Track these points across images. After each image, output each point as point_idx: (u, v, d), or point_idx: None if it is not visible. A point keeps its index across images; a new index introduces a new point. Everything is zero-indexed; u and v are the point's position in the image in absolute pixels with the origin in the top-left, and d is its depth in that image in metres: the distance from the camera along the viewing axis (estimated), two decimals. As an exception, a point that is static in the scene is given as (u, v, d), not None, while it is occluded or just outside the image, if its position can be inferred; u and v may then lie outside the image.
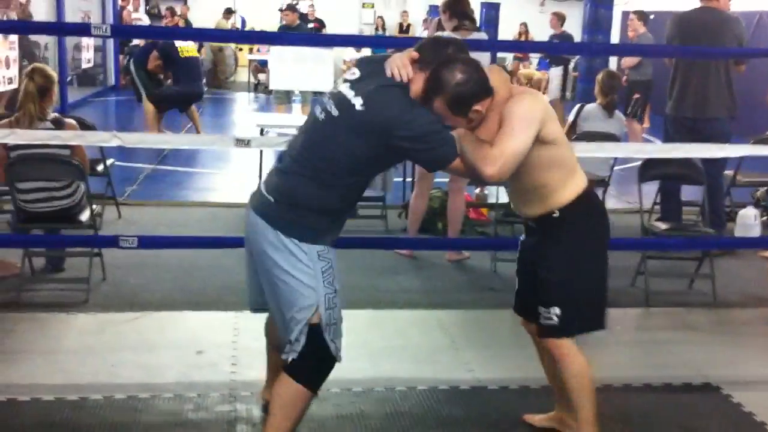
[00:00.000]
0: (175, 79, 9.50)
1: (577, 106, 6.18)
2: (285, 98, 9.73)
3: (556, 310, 2.84)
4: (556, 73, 11.74)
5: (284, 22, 9.73)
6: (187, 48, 9.31)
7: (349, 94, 2.58)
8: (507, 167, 2.57)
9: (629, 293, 5.01)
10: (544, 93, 14.41)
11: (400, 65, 2.59)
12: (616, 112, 6.05)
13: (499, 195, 5.61)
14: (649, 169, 5.23)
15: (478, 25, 5.65)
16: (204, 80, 9.85)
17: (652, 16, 15.23)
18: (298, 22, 10.10)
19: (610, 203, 6.39)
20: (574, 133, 5.95)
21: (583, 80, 9.58)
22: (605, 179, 5.95)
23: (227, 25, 16.47)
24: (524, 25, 16.12)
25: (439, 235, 5.86)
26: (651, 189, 5.68)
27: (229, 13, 16.90)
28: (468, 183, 5.76)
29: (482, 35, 5.55)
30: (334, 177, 2.59)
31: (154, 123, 9.32)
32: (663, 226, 5.25)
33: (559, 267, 2.85)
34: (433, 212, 5.92)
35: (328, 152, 2.58)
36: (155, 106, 9.25)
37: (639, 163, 5.43)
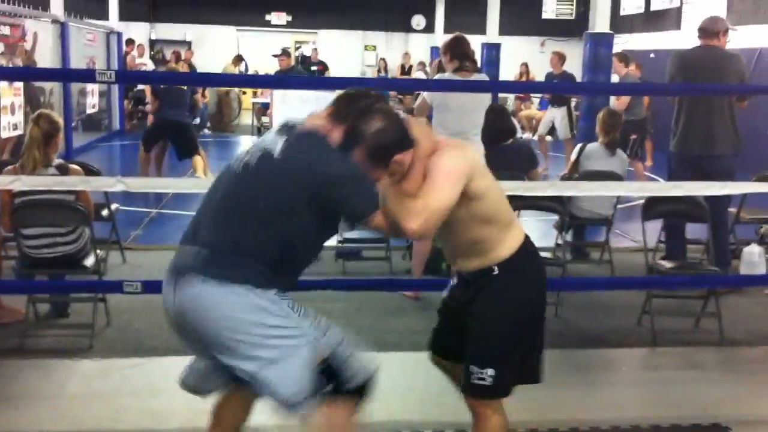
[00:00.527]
0: (158, 109, 9.59)
1: (579, 145, 6.21)
2: None
3: (490, 371, 2.70)
4: (559, 113, 11.79)
5: (280, 68, 9.89)
6: None
7: (270, 144, 2.51)
8: (430, 223, 2.47)
9: (635, 332, 4.99)
10: (536, 131, 14.54)
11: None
12: (618, 151, 6.08)
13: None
14: (653, 207, 5.24)
15: (479, 65, 5.70)
16: (191, 113, 9.90)
17: (652, 55, 15.43)
18: (292, 64, 10.28)
19: (614, 242, 6.39)
20: (577, 172, 5.98)
21: (584, 119, 9.63)
22: (608, 218, 5.95)
23: (236, 70, 16.66)
24: (525, 65, 16.26)
25: (444, 276, 5.84)
26: (655, 227, 5.68)
27: (239, 60, 17.10)
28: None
29: (483, 76, 5.61)
30: (262, 226, 2.44)
31: (144, 164, 9.44)
32: (668, 264, 5.24)
33: (495, 325, 2.73)
34: (438, 253, 5.90)
35: (250, 203, 2.45)
36: (143, 145, 9.37)
37: (642, 201, 5.43)
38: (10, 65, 9.91)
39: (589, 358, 4.60)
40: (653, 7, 16.66)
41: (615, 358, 4.70)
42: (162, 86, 9.36)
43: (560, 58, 12.00)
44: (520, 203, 5.42)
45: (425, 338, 4.78)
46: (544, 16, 19.12)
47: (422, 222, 2.44)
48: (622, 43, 16.73)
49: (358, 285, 5.09)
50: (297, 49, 20.27)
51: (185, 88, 9.46)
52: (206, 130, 16.31)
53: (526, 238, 2.83)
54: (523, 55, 16.30)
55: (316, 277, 5.40)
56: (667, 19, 16.01)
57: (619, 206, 6.16)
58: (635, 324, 5.07)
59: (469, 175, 2.57)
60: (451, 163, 2.56)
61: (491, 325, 2.74)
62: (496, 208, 2.73)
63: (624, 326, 5.08)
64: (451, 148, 2.65)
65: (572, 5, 18.91)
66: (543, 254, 5.86)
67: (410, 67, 19.06)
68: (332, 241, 6.45)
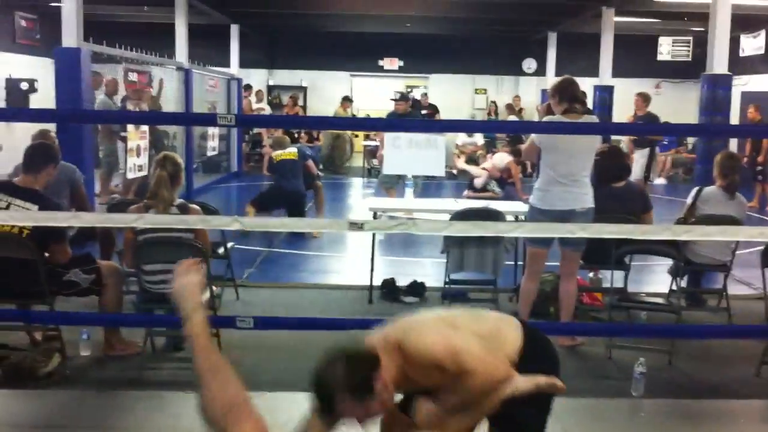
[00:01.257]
0: (274, 179, 9.82)
1: (696, 188, 6.04)
2: (392, 182, 9.91)
3: None
4: (639, 155, 11.56)
5: (398, 111, 9.98)
6: (280, 154, 9.64)
7: None
8: None
9: (754, 383, 4.76)
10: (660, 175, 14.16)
11: None
12: (737, 194, 5.87)
13: (614, 279, 5.49)
14: (774, 253, 5.02)
15: (589, 107, 5.63)
16: (310, 176, 10.03)
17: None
18: (409, 110, 10.33)
19: (732, 289, 6.14)
20: (693, 217, 5.80)
21: (701, 162, 9.36)
22: (726, 264, 5.74)
23: (346, 113, 17.06)
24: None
25: (551, 320, 5.76)
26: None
27: (347, 101, 17.53)
28: (580, 267, 5.68)
29: (593, 118, 5.54)
30: None
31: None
32: (790, 312, 5.00)
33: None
34: (545, 296, 5.84)
35: None
36: (255, 209, 9.43)
37: (763, 246, 5.22)
38: (137, 110, 10.45)
39: (705, 409, 4.42)
40: (775, 48, 16.10)
41: (732, 410, 4.49)
42: (272, 165, 9.62)
43: (645, 99, 12.02)
44: (633, 247, 5.32)
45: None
46: (659, 57, 18.72)
47: None
48: (742, 84, 16.21)
49: (465, 327, 5.06)
50: (408, 93, 20.55)
51: (295, 160, 9.56)
52: (319, 172, 16.67)
53: (526, 334, 2.83)
54: (636, 98, 15.96)
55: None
56: (790, 60, 15.44)
57: (738, 251, 5.93)
58: (754, 375, 4.84)
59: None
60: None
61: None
62: (486, 373, 2.62)
63: (742, 377, 4.86)
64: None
65: (689, 47, 18.46)
66: (657, 300, 5.73)
67: (520, 109, 19.01)
68: (438, 282, 6.47)
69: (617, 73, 15.10)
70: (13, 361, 4.57)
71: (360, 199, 13.65)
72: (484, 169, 13.77)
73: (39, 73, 15.06)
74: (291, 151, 9.71)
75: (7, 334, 4.98)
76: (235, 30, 17.46)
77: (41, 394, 4.39)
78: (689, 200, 5.98)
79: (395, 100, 10.13)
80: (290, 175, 9.48)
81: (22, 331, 5.04)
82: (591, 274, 6.53)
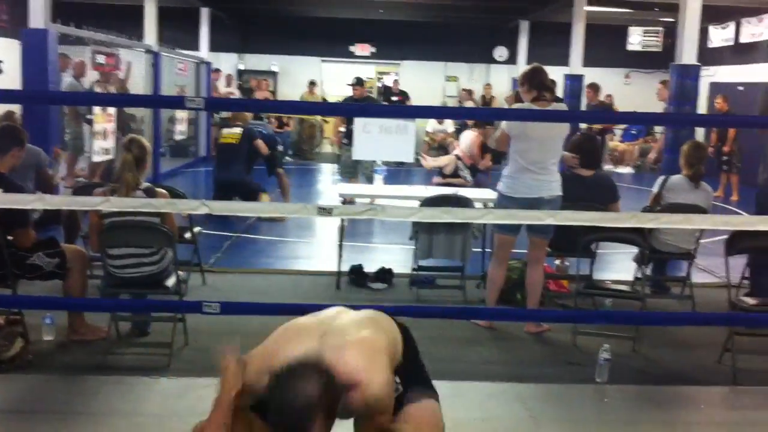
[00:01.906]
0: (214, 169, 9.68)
1: (662, 177, 6.10)
2: (354, 171, 9.91)
3: None
4: None
5: (354, 96, 10.02)
6: (223, 135, 9.50)
7: None
8: None
9: (715, 370, 4.83)
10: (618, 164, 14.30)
11: None
12: (703, 183, 5.94)
13: (580, 267, 5.54)
14: (737, 242, 5.08)
15: (558, 95, 5.66)
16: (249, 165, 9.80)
17: (740, 88, 15.05)
18: (366, 95, 10.40)
19: (696, 277, 6.22)
20: (659, 205, 5.86)
21: (668, 151, 9.47)
22: (691, 252, 5.81)
23: (311, 97, 17.00)
24: (609, 96, 16.05)
25: (518, 306, 5.80)
26: (739, 263, 5.51)
27: (312, 84, 17.48)
28: (547, 254, 5.72)
29: (562, 106, 5.57)
30: None
31: None
32: (752, 301, 5.08)
33: None
34: (513, 283, 5.87)
35: None
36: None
37: (726, 235, 5.29)
38: (105, 92, 10.32)
39: (667, 395, 4.47)
40: (742, 39, 16.27)
41: (694, 396, 4.56)
42: (218, 144, 9.37)
43: (595, 89, 12.82)
44: (600, 235, 5.36)
45: (499, 368, 4.80)
46: (630, 47, 18.84)
47: None
48: (710, 75, 16.38)
49: (432, 313, 5.09)
50: (379, 80, 20.50)
51: (237, 144, 9.31)
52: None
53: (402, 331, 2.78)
54: (606, 87, 16.06)
55: (390, 303, 5.46)
56: (758, 52, 15.60)
57: (703, 240, 6.01)
58: (716, 362, 4.91)
59: None
60: None
61: None
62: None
63: (704, 364, 4.93)
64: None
65: (659, 37, 18.60)
66: (622, 287, 5.79)
67: (491, 98, 19.06)
68: (406, 269, 6.49)
69: (588, 62, 15.18)
70: (-25, 345, 4.50)
71: (330, 185, 13.62)
72: (455, 155, 13.72)
73: (5, 54, 14.81)
74: (233, 133, 9.40)
75: (-32, 318, 4.92)
76: (205, 13, 17.29)
77: (4, 378, 4.34)
78: (655, 189, 6.04)
79: (351, 85, 10.18)
80: (227, 162, 9.20)
81: (-16, 315, 4.98)
82: (558, 262, 6.59)
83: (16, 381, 4.33)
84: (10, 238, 4.64)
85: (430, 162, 13.28)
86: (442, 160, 13.78)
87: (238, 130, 9.44)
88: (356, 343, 2.49)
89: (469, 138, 13.83)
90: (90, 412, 3.95)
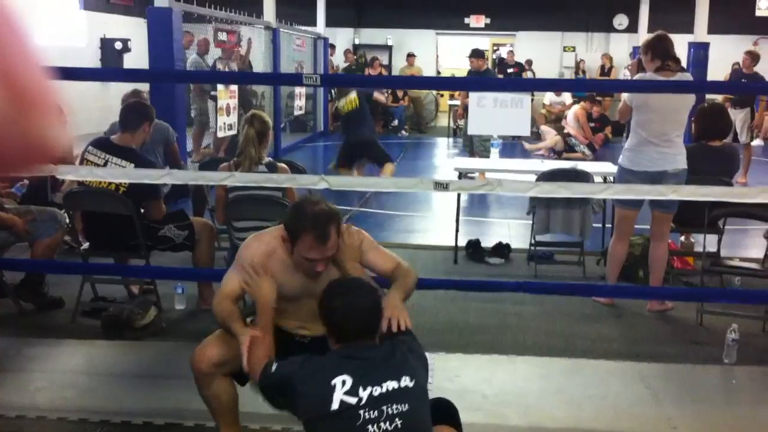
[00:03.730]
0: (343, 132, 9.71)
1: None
2: (469, 146, 9.82)
3: None
4: (740, 115, 10.99)
5: (471, 69, 9.86)
6: (343, 105, 9.52)
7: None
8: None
9: None
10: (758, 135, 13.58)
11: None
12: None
13: (707, 244, 5.35)
14: None
15: (683, 65, 5.43)
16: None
17: None
18: (486, 67, 10.15)
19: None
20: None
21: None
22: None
23: (410, 70, 17.03)
24: (737, 65, 15.33)
25: (640, 284, 5.66)
26: None
27: (410, 56, 17.49)
28: (672, 230, 5.54)
29: (687, 76, 5.35)
30: None
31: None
32: None
33: None
34: (635, 259, 5.73)
35: None
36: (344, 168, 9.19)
37: None
38: (227, 69, 10.62)
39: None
40: None
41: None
42: (340, 116, 9.40)
43: (753, 57, 11.18)
44: (728, 210, 5.15)
45: (618, 346, 4.71)
46: (758, 13, 17.89)
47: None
48: None
49: (550, 289, 5.03)
50: (495, 51, 20.25)
51: (357, 108, 9.16)
52: (403, 132, 16.68)
53: None
54: (734, 55, 15.32)
55: (508, 279, 5.43)
56: None
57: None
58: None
59: None
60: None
61: None
62: None
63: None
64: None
65: (791, 1, 17.63)
66: (751, 265, 5.56)
67: (611, 68, 18.52)
68: (524, 244, 6.43)
69: (713, 29, 14.49)
70: (112, 313, 4.76)
71: (445, 159, 13.60)
72: (565, 133, 13.42)
73: (133, 32, 15.43)
74: (350, 99, 9.33)
75: (105, 287, 5.20)
76: (321, -11, 17.50)
77: (138, 344, 4.58)
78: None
79: (469, 57, 9.97)
80: (354, 126, 9.20)
81: (120, 285, 5.25)
82: (682, 238, 6.38)
83: (149, 347, 4.57)
84: (142, 210, 4.87)
85: (532, 146, 13.05)
86: (547, 142, 13.53)
87: (353, 95, 9.52)
88: None
89: (572, 113, 13.52)
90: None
